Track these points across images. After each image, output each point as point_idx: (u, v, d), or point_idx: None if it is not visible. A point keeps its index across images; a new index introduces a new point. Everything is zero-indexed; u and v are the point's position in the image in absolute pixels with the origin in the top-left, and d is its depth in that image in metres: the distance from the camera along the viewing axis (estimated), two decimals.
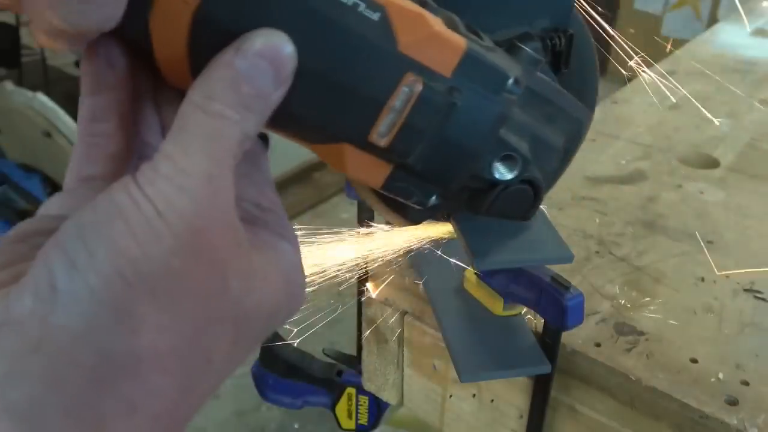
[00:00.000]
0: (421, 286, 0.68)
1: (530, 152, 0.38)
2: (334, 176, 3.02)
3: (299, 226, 0.52)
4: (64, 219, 0.28)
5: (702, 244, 0.76)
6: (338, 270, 0.66)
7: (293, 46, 0.28)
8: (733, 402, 0.54)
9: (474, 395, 0.68)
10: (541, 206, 0.49)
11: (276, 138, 0.34)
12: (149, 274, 0.23)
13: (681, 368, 0.58)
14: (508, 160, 0.37)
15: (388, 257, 0.67)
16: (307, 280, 0.52)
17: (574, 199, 0.85)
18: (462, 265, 0.65)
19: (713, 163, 0.98)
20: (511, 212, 0.40)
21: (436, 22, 0.32)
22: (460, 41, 0.33)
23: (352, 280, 0.68)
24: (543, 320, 0.57)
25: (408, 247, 0.66)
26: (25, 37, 3.32)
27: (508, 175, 0.38)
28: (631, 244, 0.76)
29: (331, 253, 0.65)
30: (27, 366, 0.22)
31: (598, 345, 0.60)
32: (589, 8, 0.51)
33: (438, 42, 0.32)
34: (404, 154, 0.33)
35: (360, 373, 0.79)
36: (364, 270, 0.71)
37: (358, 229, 0.67)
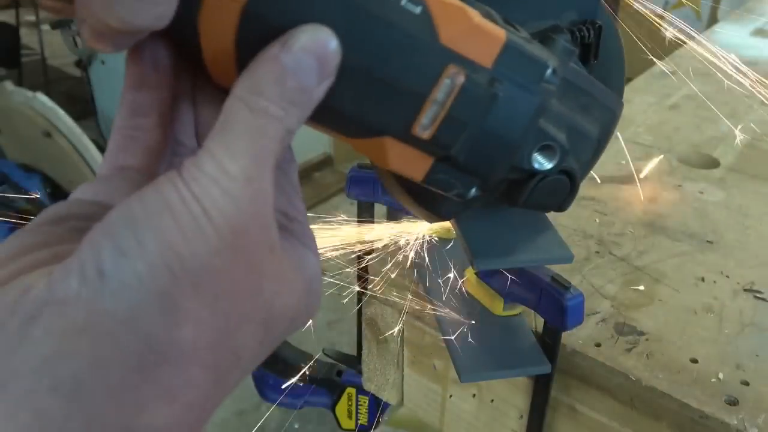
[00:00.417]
0: (421, 286, 0.68)
1: (567, 142, 0.38)
2: (334, 176, 3.02)
3: None
4: (98, 205, 0.29)
5: (702, 244, 0.76)
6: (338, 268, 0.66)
7: (337, 41, 0.28)
8: (733, 402, 0.54)
9: (474, 395, 0.68)
10: None
11: None
12: (193, 270, 0.24)
13: (681, 368, 0.58)
14: (546, 150, 0.37)
15: (389, 251, 0.67)
16: None
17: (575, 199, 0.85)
18: (462, 265, 0.65)
19: (713, 163, 0.98)
20: (548, 203, 0.41)
21: (476, 15, 0.32)
22: (500, 32, 0.33)
23: (354, 288, 0.69)
24: (543, 320, 0.57)
25: (407, 242, 0.66)
26: (25, 37, 3.32)
27: (547, 165, 0.38)
28: (631, 244, 0.76)
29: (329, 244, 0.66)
30: (74, 346, 0.23)
31: (598, 345, 0.60)
32: None
33: (479, 34, 0.32)
34: (446, 146, 0.33)
35: (360, 373, 0.79)
36: (364, 269, 0.71)
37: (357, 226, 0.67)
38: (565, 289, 0.53)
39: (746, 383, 0.56)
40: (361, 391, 0.81)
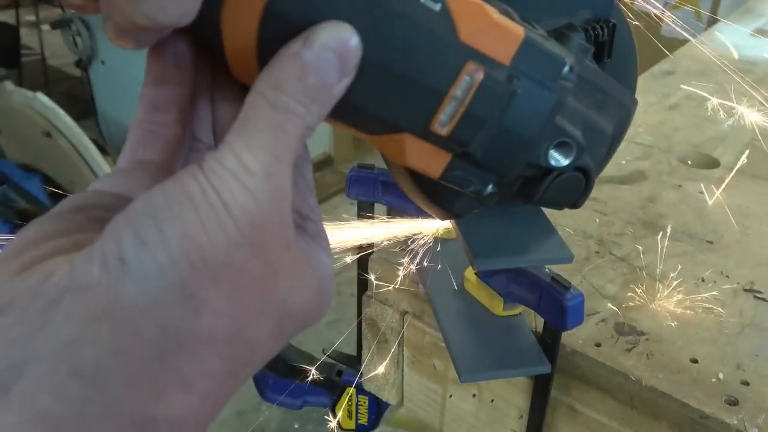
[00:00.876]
0: (421, 286, 0.68)
1: (583, 139, 0.38)
2: (334, 176, 3.02)
3: None
4: (117, 197, 0.30)
5: (702, 244, 0.76)
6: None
7: (358, 38, 0.29)
8: (733, 402, 0.54)
9: (474, 395, 0.68)
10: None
11: None
12: (213, 261, 0.25)
13: (681, 368, 0.58)
14: (563, 146, 0.37)
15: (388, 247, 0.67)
16: None
17: None
18: (462, 265, 0.65)
19: (713, 163, 0.98)
20: (562, 200, 0.41)
21: (494, 12, 0.32)
22: (518, 30, 0.33)
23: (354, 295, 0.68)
24: (543, 320, 0.57)
25: (407, 238, 0.66)
26: (25, 37, 3.32)
27: (563, 162, 0.38)
28: (631, 244, 0.76)
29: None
30: (95, 332, 0.23)
31: (598, 345, 0.60)
32: None
33: (497, 31, 0.32)
34: (465, 142, 0.34)
35: (360, 373, 0.79)
36: (364, 269, 0.71)
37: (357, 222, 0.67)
38: (565, 289, 0.53)
39: (746, 383, 0.56)
40: (361, 391, 0.81)
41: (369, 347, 0.75)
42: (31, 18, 3.42)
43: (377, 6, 0.29)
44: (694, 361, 0.59)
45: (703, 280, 0.70)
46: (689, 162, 0.98)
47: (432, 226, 0.65)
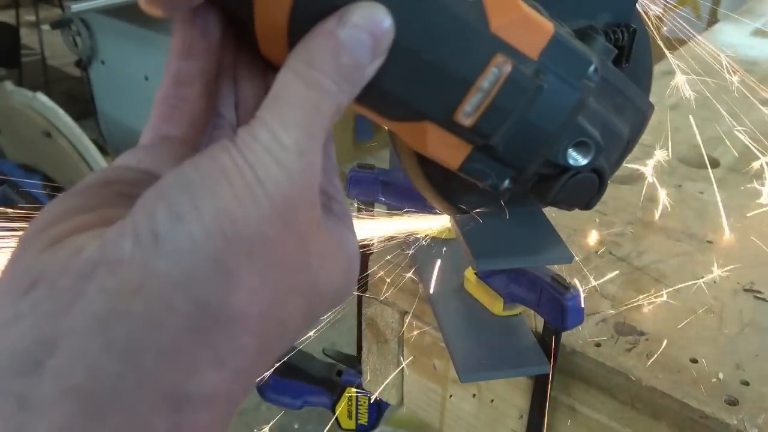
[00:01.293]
0: (421, 286, 0.68)
1: (601, 140, 0.38)
2: None
3: None
4: (143, 172, 0.29)
5: (702, 244, 0.76)
6: None
7: (392, 20, 0.29)
8: (733, 402, 0.54)
9: (474, 395, 0.68)
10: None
11: None
12: (247, 237, 0.24)
13: (681, 368, 0.58)
14: (582, 146, 0.37)
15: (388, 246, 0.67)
16: None
17: None
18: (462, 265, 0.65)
19: (713, 163, 0.98)
20: (575, 200, 0.41)
21: (525, 6, 0.32)
22: (548, 25, 0.33)
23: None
24: (543, 320, 0.57)
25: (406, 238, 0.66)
26: (25, 37, 3.32)
27: (581, 162, 0.38)
28: (631, 244, 0.76)
29: None
30: (128, 306, 0.23)
31: (598, 345, 0.60)
32: None
33: (528, 24, 0.32)
34: (487, 134, 0.34)
35: (360, 373, 0.79)
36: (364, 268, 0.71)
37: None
38: (565, 289, 0.53)
39: (746, 383, 0.56)
40: (361, 391, 0.81)
41: (369, 347, 0.75)
42: (31, 18, 3.42)
43: None
44: (694, 361, 0.59)
45: (703, 280, 0.70)
46: (689, 162, 0.98)
47: (432, 225, 0.65)
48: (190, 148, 0.31)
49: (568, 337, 0.59)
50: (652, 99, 0.46)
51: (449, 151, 0.35)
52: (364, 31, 0.28)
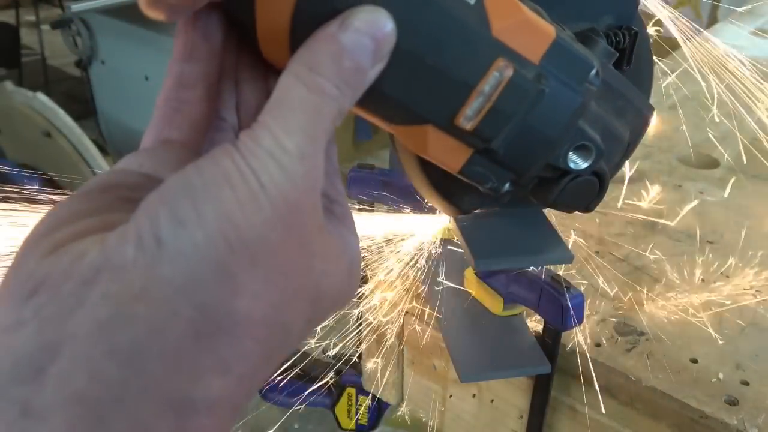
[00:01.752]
0: (421, 287, 0.68)
1: (602, 143, 0.38)
2: None
3: None
4: (144, 176, 0.29)
5: (702, 244, 0.76)
6: None
7: (393, 24, 0.29)
8: (733, 402, 0.54)
9: (474, 395, 0.68)
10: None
11: None
12: (250, 242, 0.24)
13: (681, 368, 0.58)
14: (582, 150, 0.37)
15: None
16: None
17: None
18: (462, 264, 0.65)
19: (713, 163, 0.98)
20: (576, 203, 0.41)
21: (527, 9, 0.32)
22: (549, 29, 0.33)
23: None
24: (543, 320, 0.57)
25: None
26: (25, 37, 3.32)
27: (582, 165, 0.38)
28: (631, 244, 0.76)
29: None
30: (131, 312, 0.22)
31: (598, 345, 0.60)
32: None
33: (529, 28, 0.32)
34: (488, 138, 0.34)
35: (360, 373, 0.79)
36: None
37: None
38: (566, 289, 0.53)
39: (746, 383, 0.56)
40: (361, 391, 0.81)
41: (369, 347, 0.75)
42: (31, 18, 3.42)
43: None
44: (694, 361, 0.59)
45: (703, 280, 0.70)
46: (689, 162, 0.98)
47: (432, 224, 0.65)
48: (192, 152, 0.31)
49: (568, 337, 0.59)
50: (651, 99, 0.46)
51: (450, 155, 0.35)
52: (366, 35, 0.28)
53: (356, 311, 0.75)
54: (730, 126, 1.06)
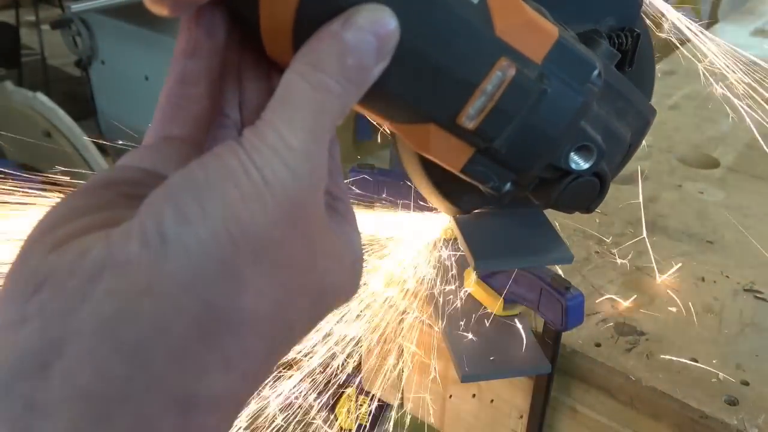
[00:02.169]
0: (422, 287, 0.68)
1: (603, 144, 0.38)
2: None
3: None
4: (146, 172, 0.29)
5: (702, 244, 0.76)
6: None
7: (397, 22, 0.29)
8: (733, 402, 0.54)
9: (474, 395, 0.68)
10: None
11: None
12: (254, 239, 0.24)
13: (681, 368, 0.58)
14: (584, 150, 0.37)
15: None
16: None
17: None
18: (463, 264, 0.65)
19: (713, 163, 0.98)
20: (576, 204, 0.41)
21: (530, 9, 0.32)
22: (552, 29, 0.33)
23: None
24: (543, 320, 0.57)
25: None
26: (25, 37, 3.31)
27: (583, 166, 0.38)
28: (631, 244, 0.76)
29: None
30: (136, 308, 0.22)
31: (598, 345, 0.60)
32: None
33: (532, 28, 0.32)
34: (490, 138, 0.34)
35: (360, 373, 0.79)
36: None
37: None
38: (565, 289, 0.53)
39: (746, 383, 0.56)
40: (361, 391, 0.81)
41: (369, 347, 0.75)
42: (31, 18, 3.42)
43: None
44: (694, 361, 0.59)
45: (703, 280, 0.70)
46: (689, 162, 0.98)
47: (432, 224, 0.65)
48: (194, 148, 0.31)
49: (568, 337, 0.59)
50: (652, 99, 0.46)
51: (452, 154, 0.35)
52: (370, 33, 0.28)
53: (356, 311, 0.75)
54: (730, 126, 1.06)
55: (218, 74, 0.32)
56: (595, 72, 0.34)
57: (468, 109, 0.32)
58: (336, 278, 0.29)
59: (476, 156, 0.35)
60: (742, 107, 1.10)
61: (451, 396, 0.70)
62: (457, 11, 0.30)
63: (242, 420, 0.66)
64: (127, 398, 0.22)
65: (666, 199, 0.87)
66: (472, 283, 0.64)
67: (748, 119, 1.07)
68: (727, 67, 1.11)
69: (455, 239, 0.67)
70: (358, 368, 0.80)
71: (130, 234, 0.23)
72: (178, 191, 0.24)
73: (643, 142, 0.45)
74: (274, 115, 0.26)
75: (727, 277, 0.71)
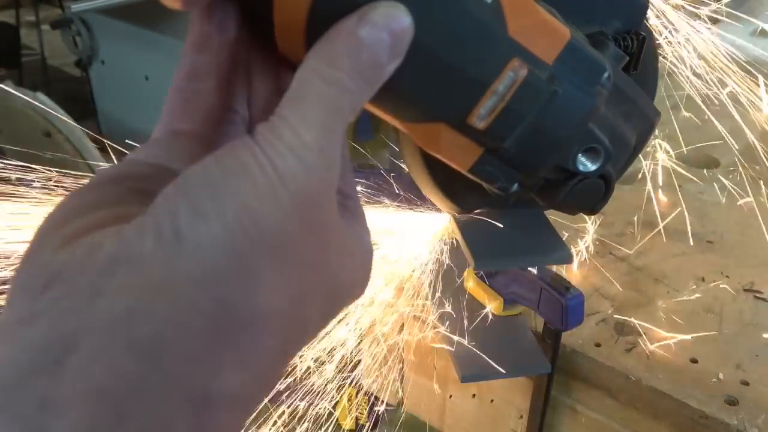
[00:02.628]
0: (422, 287, 0.67)
1: (610, 147, 0.38)
2: None
3: None
4: (155, 167, 0.29)
5: (702, 244, 0.76)
6: None
7: (411, 20, 0.28)
8: (733, 402, 0.54)
9: (474, 395, 0.68)
10: None
11: None
12: (269, 236, 0.24)
13: (681, 368, 0.58)
14: (591, 152, 0.37)
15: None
16: None
17: None
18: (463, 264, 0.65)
19: (713, 163, 0.98)
20: (581, 205, 0.41)
21: (543, 11, 0.32)
22: (564, 30, 0.33)
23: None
24: (543, 320, 0.57)
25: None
26: (25, 37, 3.31)
27: (591, 167, 0.38)
28: (631, 244, 0.76)
29: None
30: (150, 304, 0.22)
31: (598, 345, 0.60)
32: None
33: (545, 29, 0.32)
34: (499, 138, 0.34)
35: (360, 373, 0.79)
36: None
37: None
38: (565, 289, 0.53)
39: (746, 383, 0.56)
40: (361, 391, 0.81)
41: (369, 347, 0.75)
42: (31, 18, 3.42)
43: None
44: (694, 361, 0.59)
45: (703, 280, 0.70)
46: (689, 162, 0.98)
47: (432, 224, 0.65)
48: (203, 144, 0.31)
49: (568, 337, 0.59)
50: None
51: (461, 153, 0.35)
52: (384, 30, 0.28)
53: (357, 311, 0.75)
54: (731, 126, 1.06)
55: (228, 70, 0.32)
56: (605, 74, 0.34)
57: (479, 109, 0.32)
58: (348, 276, 0.29)
59: (485, 156, 0.35)
60: (742, 107, 1.10)
61: (451, 396, 0.70)
62: (471, 11, 0.30)
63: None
64: (141, 396, 0.22)
65: (666, 199, 0.87)
66: (471, 283, 0.64)
67: (748, 119, 1.07)
68: (727, 67, 1.11)
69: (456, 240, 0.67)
70: (356, 368, 0.80)
71: (144, 229, 0.23)
72: (193, 186, 0.24)
73: None
74: (288, 111, 0.26)
75: (727, 277, 0.71)
